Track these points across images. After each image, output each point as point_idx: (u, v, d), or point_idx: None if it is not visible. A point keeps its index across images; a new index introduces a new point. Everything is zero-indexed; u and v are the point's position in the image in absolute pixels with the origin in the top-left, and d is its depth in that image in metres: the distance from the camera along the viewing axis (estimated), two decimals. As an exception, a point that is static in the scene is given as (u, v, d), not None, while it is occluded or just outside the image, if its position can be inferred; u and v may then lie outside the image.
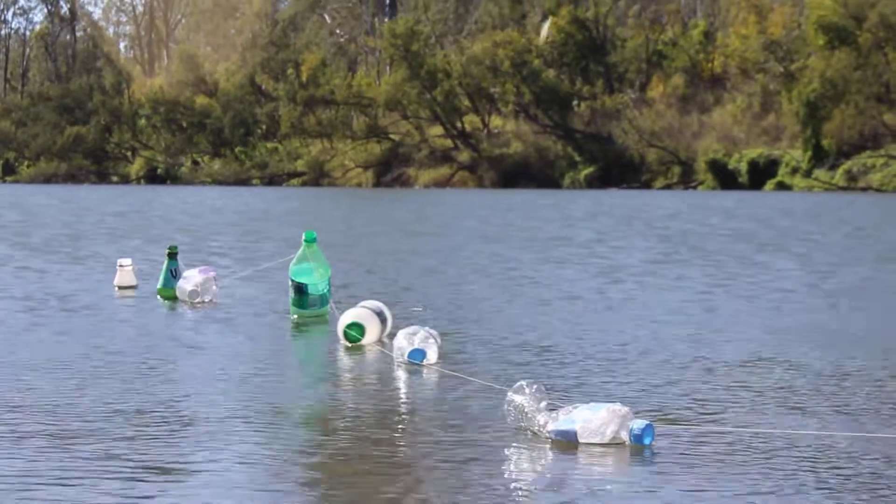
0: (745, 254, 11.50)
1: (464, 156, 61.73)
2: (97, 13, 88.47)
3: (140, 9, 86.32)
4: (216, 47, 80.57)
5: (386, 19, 71.37)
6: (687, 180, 55.76)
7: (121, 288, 7.73)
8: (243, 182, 64.74)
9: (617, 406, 3.25)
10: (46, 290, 7.58)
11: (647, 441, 3.17)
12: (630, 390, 4.10)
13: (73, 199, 32.14)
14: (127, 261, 7.90)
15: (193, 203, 29.46)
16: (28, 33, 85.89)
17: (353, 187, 59.97)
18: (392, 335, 5.08)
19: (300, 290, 6.16)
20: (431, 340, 4.89)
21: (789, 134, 54.56)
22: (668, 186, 55.41)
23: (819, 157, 51.84)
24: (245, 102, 70.40)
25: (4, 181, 70.30)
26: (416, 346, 4.78)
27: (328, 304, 6.21)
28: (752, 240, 14.16)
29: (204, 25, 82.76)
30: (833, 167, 51.16)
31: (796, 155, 52.75)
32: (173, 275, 7.17)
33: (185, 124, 71.34)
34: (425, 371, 4.59)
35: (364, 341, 5.24)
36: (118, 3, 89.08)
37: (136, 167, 72.04)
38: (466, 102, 63.69)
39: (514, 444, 3.25)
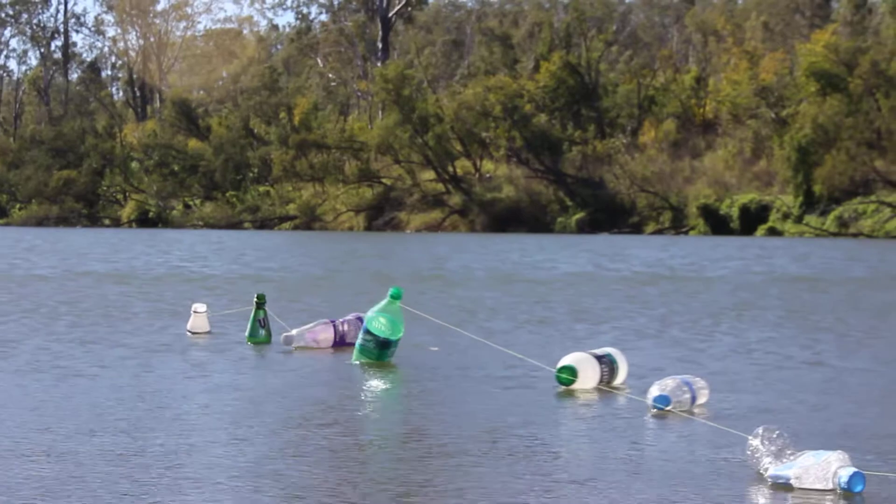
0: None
1: (455, 200, 61.68)
2: (90, 56, 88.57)
3: (133, 53, 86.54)
4: (209, 91, 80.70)
5: (378, 63, 71.55)
6: (678, 225, 55.70)
7: (193, 333, 7.72)
8: (235, 225, 64.57)
9: (837, 455, 3.30)
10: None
11: (857, 489, 3.21)
12: (858, 437, 4.15)
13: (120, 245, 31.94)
14: (202, 307, 7.88)
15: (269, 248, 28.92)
16: (21, 76, 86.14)
17: (344, 231, 59.85)
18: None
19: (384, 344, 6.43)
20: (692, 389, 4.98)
21: (781, 179, 54.57)
22: (659, 231, 55.34)
23: (810, 202, 51.84)
24: (237, 146, 70.39)
25: (-5, 224, 70.10)
26: (661, 393, 4.84)
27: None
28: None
29: (197, 69, 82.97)
30: (824, 213, 51.15)
31: (787, 200, 52.75)
32: (261, 324, 7.38)
33: (176, 168, 71.31)
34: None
35: (577, 385, 5.32)
36: (111, 47, 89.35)
37: (127, 210, 71.92)
38: (458, 147, 63.71)
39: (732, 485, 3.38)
